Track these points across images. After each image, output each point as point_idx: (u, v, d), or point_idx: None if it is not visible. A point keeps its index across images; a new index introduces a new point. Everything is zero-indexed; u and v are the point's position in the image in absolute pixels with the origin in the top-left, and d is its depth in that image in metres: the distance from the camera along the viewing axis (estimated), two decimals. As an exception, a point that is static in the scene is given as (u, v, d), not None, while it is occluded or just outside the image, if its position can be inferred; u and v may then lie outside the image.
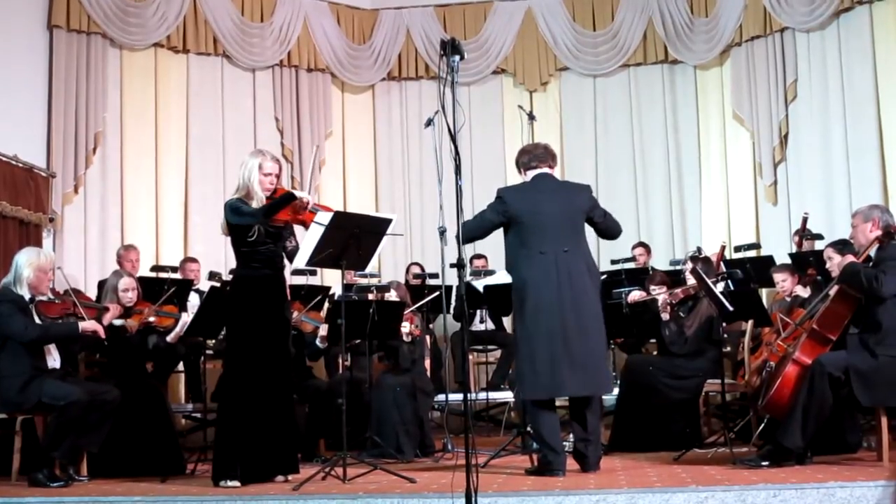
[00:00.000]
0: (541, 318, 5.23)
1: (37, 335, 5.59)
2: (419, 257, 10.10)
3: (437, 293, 7.35)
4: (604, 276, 8.23)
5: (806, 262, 7.16)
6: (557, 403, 5.46)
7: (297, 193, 5.27)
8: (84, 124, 8.99)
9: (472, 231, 5.43)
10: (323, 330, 6.77)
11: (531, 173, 5.50)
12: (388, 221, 5.46)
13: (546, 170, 5.48)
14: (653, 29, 10.43)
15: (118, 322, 6.17)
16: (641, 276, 7.85)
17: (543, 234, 5.30)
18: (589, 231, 5.53)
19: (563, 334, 5.18)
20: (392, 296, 7.03)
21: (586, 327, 5.23)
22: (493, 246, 9.89)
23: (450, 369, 8.70)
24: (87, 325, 5.78)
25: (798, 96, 9.57)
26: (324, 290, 7.76)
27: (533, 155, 5.51)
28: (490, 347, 8.94)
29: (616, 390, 6.96)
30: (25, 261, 5.74)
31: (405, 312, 6.77)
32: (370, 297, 7.23)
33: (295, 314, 6.60)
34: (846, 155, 9.05)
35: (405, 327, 6.65)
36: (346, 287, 6.52)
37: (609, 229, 5.58)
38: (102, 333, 5.82)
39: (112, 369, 6.15)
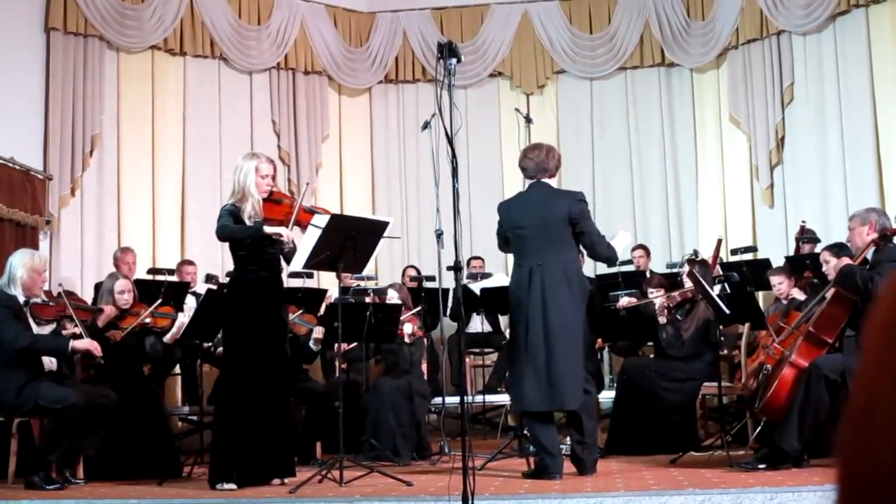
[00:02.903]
0: (516, 331, 5.34)
1: (26, 344, 5.56)
2: (416, 260, 10.10)
3: (420, 308, 7.30)
4: (599, 280, 8.27)
5: (802, 265, 7.17)
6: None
7: (268, 229, 5.20)
8: (81, 127, 8.98)
9: (501, 248, 5.70)
10: (317, 332, 6.77)
11: (527, 182, 5.52)
12: (384, 224, 5.46)
13: (543, 180, 5.46)
14: (649, 32, 10.44)
15: None
16: (638, 279, 7.85)
17: (523, 247, 5.34)
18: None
19: (530, 348, 5.19)
20: (394, 298, 7.01)
21: (554, 341, 5.16)
22: (491, 248, 9.98)
23: (446, 372, 8.70)
24: (80, 344, 5.72)
25: (794, 99, 9.58)
26: (320, 293, 7.75)
27: (527, 171, 5.46)
28: (487, 350, 8.94)
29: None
30: (19, 261, 5.73)
31: (408, 314, 6.77)
32: (367, 299, 7.23)
33: (289, 317, 6.60)
34: (842, 158, 9.07)
35: (407, 328, 6.64)
36: (343, 290, 6.51)
37: (588, 249, 5.44)
38: (98, 351, 5.77)
39: (109, 372, 6.14)
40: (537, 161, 5.43)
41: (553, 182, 5.52)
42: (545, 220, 5.28)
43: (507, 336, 5.57)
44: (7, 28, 8.49)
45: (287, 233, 5.23)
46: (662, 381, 6.55)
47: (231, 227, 5.25)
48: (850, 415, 0.81)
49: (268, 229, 5.21)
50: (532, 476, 5.22)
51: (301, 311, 7.05)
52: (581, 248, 5.47)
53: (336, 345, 6.21)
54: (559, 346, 5.17)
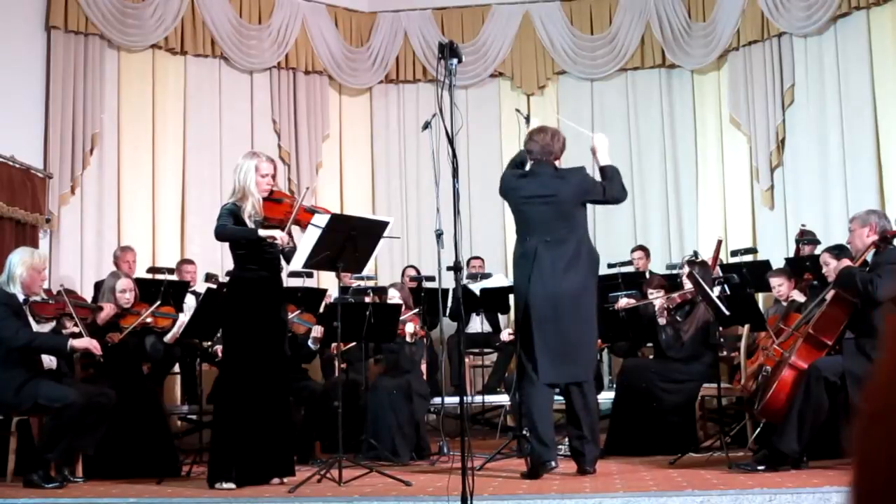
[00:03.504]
0: (522, 310, 5.33)
1: (25, 342, 5.55)
2: (416, 260, 10.10)
3: (419, 308, 7.29)
4: (599, 281, 8.26)
5: (802, 267, 7.17)
6: (554, 407, 5.45)
7: (262, 232, 5.20)
8: (81, 125, 8.98)
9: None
10: (315, 331, 6.76)
11: (529, 164, 5.53)
12: (384, 224, 5.45)
13: (546, 160, 5.47)
14: (650, 33, 10.44)
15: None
16: (638, 280, 7.85)
17: (529, 223, 5.36)
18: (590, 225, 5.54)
19: (539, 323, 5.21)
20: (395, 297, 7.01)
21: (563, 316, 5.20)
22: (491, 248, 10.03)
23: (446, 372, 8.71)
24: (79, 343, 5.71)
25: (795, 101, 9.58)
26: (320, 293, 7.75)
27: (531, 153, 5.49)
28: (486, 350, 8.94)
29: (607, 393, 6.94)
30: (19, 260, 5.73)
31: (409, 314, 6.77)
32: (367, 299, 7.21)
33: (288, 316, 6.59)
34: (843, 159, 9.07)
35: (409, 328, 6.64)
36: (343, 289, 6.50)
37: (611, 200, 5.54)
38: (98, 350, 5.77)
39: (108, 371, 6.14)
40: (543, 144, 5.45)
41: (557, 165, 5.54)
42: (556, 198, 5.31)
43: (504, 329, 5.49)
44: (8, 26, 8.49)
45: (281, 236, 5.23)
46: (662, 383, 6.54)
47: (229, 228, 5.26)
48: (866, 414, 0.81)
49: (262, 232, 5.21)
50: (530, 476, 5.22)
51: (299, 311, 7.04)
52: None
53: (333, 344, 6.20)
54: (569, 320, 5.20)
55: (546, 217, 5.30)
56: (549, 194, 5.31)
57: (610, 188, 5.46)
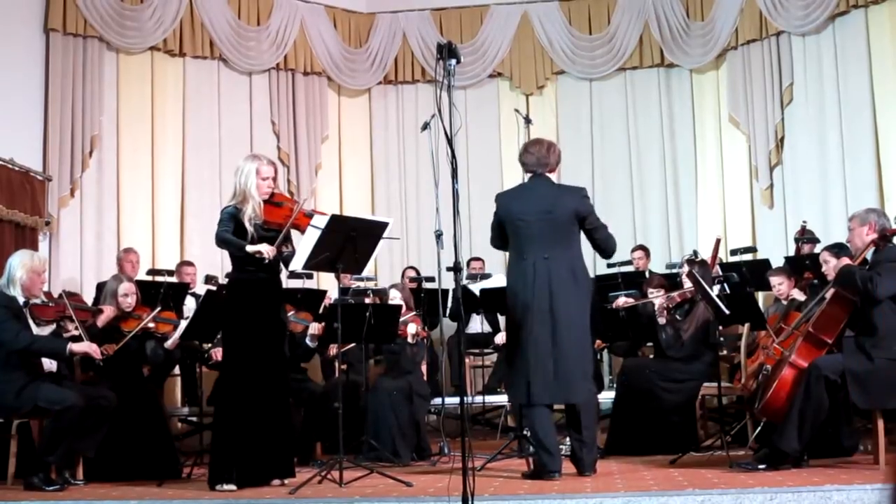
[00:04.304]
0: (517, 325, 5.28)
1: (25, 345, 5.55)
2: (415, 261, 10.10)
3: (418, 310, 7.29)
4: (599, 280, 8.26)
5: (802, 266, 7.17)
6: (554, 406, 5.45)
7: (250, 248, 5.20)
8: (80, 128, 8.98)
9: (493, 242, 5.58)
10: (313, 328, 6.75)
11: (527, 176, 5.50)
12: (384, 225, 5.45)
13: (542, 173, 5.45)
14: (649, 33, 10.45)
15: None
16: (638, 280, 7.85)
17: (526, 240, 5.29)
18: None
19: (534, 343, 5.17)
20: (396, 298, 7.00)
21: (559, 336, 5.17)
22: (490, 249, 9.98)
23: (446, 373, 8.71)
24: (79, 347, 5.72)
25: (794, 100, 9.59)
26: (320, 294, 7.74)
27: (527, 165, 5.45)
28: (486, 351, 8.94)
29: (601, 396, 6.94)
30: (19, 262, 5.73)
31: (410, 315, 6.77)
32: (367, 300, 7.21)
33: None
34: (842, 158, 9.08)
35: (411, 328, 6.64)
36: (343, 290, 6.49)
37: (601, 243, 5.40)
38: (97, 355, 5.77)
39: (108, 373, 6.13)
40: (538, 156, 5.41)
41: (553, 177, 5.48)
42: (552, 214, 5.25)
43: (507, 328, 5.46)
44: (6, 29, 8.48)
45: (268, 250, 5.22)
46: (662, 382, 6.54)
47: (226, 236, 5.27)
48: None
49: (249, 248, 5.21)
50: (532, 476, 5.22)
51: (296, 310, 7.02)
52: (592, 243, 5.46)
53: (332, 345, 6.19)
54: (566, 339, 5.17)
55: (543, 233, 5.24)
56: (546, 209, 5.26)
57: (606, 230, 5.40)
